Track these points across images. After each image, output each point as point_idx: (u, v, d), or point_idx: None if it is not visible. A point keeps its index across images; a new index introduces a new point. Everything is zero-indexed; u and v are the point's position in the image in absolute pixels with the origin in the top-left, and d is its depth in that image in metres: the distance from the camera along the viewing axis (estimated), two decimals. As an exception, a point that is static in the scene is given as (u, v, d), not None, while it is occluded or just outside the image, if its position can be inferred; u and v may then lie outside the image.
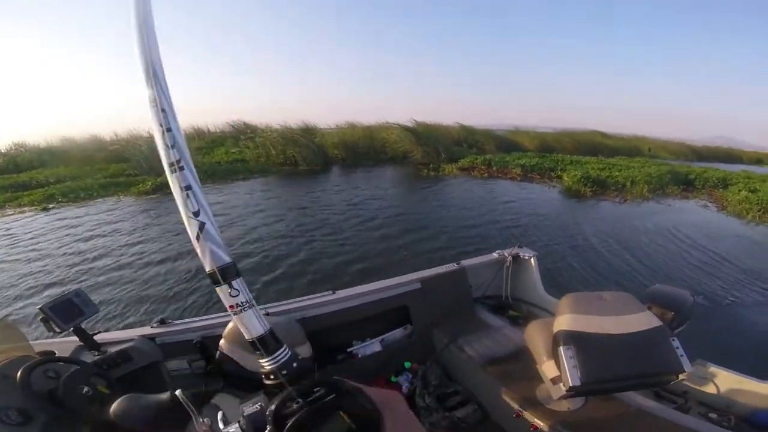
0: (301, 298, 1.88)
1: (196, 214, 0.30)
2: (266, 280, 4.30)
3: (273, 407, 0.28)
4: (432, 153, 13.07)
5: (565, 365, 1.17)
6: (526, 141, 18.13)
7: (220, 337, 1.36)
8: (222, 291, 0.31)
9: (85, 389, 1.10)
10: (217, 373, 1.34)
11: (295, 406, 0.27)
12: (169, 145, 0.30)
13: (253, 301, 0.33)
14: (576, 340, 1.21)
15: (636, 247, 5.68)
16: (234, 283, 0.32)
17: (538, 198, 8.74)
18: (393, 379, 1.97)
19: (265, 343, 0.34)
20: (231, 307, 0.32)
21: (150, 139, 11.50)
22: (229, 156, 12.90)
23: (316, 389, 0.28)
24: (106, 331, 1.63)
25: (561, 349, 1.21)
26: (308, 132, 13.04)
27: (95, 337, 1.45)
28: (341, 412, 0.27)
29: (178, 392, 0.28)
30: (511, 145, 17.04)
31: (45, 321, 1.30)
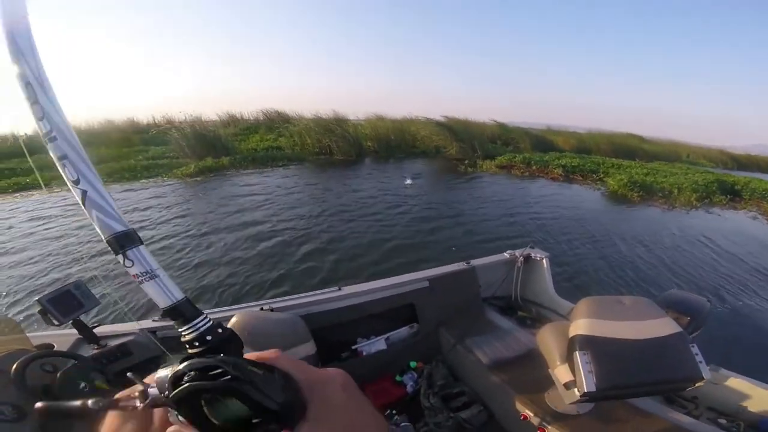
0: (306, 294, 1.84)
1: (76, 182, 0.29)
2: (306, 252, 4.45)
3: (170, 374, 0.27)
4: (467, 149, 12.85)
5: (581, 370, 1.13)
6: (561, 141, 17.61)
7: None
8: (121, 261, 0.30)
9: (82, 385, 1.08)
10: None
11: (186, 378, 0.26)
12: (38, 118, 0.29)
13: (158, 271, 0.32)
14: (593, 345, 1.17)
15: (702, 260, 5.43)
16: (130, 252, 0.31)
17: (584, 200, 8.45)
18: (398, 378, 1.94)
19: (179, 313, 0.32)
20: (134, 276, 0.31)
21: (190, 124, 11.73)
22: (264, 143, 13.00)
23: (219, 369, 0.26)
24: (107, 323, 1.61)
25: (577, 354, 1.17)
26: (340, 122, 12.99)
27: (95, 330, 1.42)
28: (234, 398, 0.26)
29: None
30: (547, 144, 16.58)
31: (43, 314, 1.28)
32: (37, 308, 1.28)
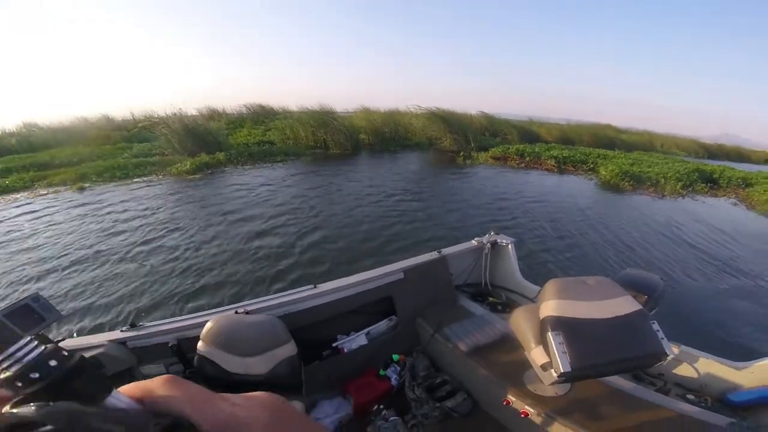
0: (281, 294, 1.80)
1: None
2: (312, 243, 4.33)
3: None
4: (461, 141, 12.98)
5: (555, 351, 1.17)
6: (544, 132, 18.10)
7: (197, 339, 1.31)
8: None
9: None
10: (198, 377, 1.27)
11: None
12: None
13: None
14: (564, 325, 1.20)
15: (710, 245, 5.80)
16: None
17: (583, 191, 8.79)
18: (382, 372, 1.94)
19: None
20: None
21: (178, 119, 11.20)
22: (253, 137, 12.61)
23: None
24: (71, 337, 1.50)
25: (549, 335, 1.20)
26: (331, 115, 12.78)
27: (61, 344, 1.35)
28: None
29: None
30: (533, 135, 16.98)
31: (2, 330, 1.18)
32: None
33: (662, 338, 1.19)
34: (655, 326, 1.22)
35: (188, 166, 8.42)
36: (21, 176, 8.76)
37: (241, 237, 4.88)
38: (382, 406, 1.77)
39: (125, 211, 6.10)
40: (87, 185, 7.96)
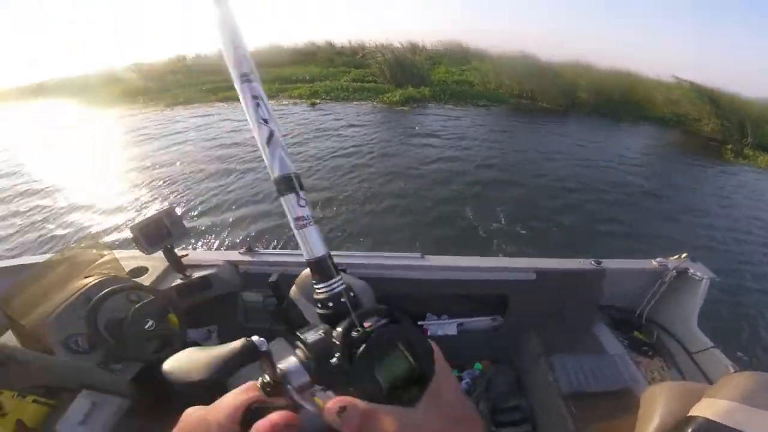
0: (384, 254, 1.72)
1: (266, 121, 0.31)
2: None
3: (341, 332, 0.26)
4: (732, 129, 9.20)
5: None
6: None
7: (294, 277, 1.22)
8: (288, 201, 0.31)
9: (149, 323, 1.18)
10: (283, 317, 1.31)
11: (355, 334, 0.26)
12: (241, 58, 0.31)
13: (311, 221, 0.31)
14: None
15: None
16: (292, 196, 0.31)
17: None
18: (456, 372, 1.71)
19: (322, 268, 0.31)
20: (297, 219, 0.31)
21: (392, 50, 11.64)
22: (451, 76, 12.13)
23: (377, 319, 0.27)
24: (196, 250, 1.65)
25: None
26: (533, 63, 10.84)
27: (183, 259, 1.50)
28: (401, 346, 0.25)
29: (255, 338, 0.29)
30: None
31: (136, 241, 1.35)
32: (131, 236, 1.33)
33: None
34: None
35: (397, 97, 8.72)
36: (269, 87, 10.95)
37: (438, 181, 4.72)
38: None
39: (351, 133, 6.80)
40: (317, 102, 9.28)
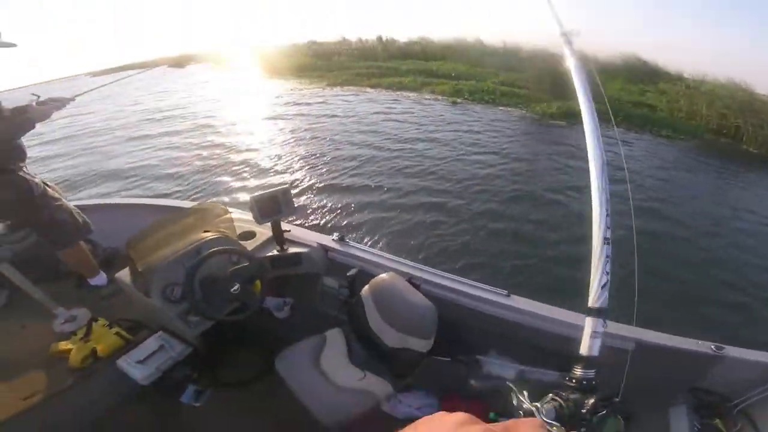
0: (469, 282, 1.58)
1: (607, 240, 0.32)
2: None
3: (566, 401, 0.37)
4: None
5: None
6: None
7: (371, 276, 1.35)
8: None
9: (235, 287, 1.28)
10: (350, 310, 1.38)
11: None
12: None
13: None
14: None
15: None
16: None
17: None
18: (492, 416, 1.46)
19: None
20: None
21: (557, 59, 10.36)
22: (628, 95, 10.21)
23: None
24: (297, 227, 1.79)
25: None
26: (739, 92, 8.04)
27: (286, 235, 1.64)
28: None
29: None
30: None
31: (251, 210, 1.50)
32: (249, 204, 1.48)
33: None
34: None
35: (554, 109, 7.69)
36: (415, 79, 11.01)
37: (575, 213, 3.81)
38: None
39: (489, 139, 6.26)
40: (459, 101, 8.91)
